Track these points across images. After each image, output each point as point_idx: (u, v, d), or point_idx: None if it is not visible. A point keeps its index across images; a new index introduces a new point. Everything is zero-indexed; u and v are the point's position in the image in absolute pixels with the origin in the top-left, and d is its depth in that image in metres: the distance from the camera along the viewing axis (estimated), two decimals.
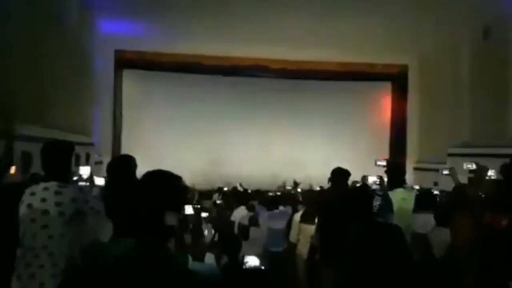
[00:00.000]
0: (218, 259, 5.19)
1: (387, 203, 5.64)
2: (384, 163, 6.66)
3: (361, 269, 3.74)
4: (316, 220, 6.34)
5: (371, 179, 6.36)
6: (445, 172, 6.49)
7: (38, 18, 9.42)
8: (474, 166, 6.43)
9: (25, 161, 7.73)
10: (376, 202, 4.62)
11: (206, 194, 14.22)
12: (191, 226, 6.38)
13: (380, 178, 6.30)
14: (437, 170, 7.18)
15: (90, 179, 5.02)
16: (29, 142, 7.91)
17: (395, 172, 6.37)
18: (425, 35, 15.47)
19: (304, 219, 7.33)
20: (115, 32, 15.86)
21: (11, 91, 8.09)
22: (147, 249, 2.07)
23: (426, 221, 5.44)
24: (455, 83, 15.10)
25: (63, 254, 3.52)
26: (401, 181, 6.30)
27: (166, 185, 2.14)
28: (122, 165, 4.06)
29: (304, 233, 7.32)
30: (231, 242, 5.45)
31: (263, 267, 4.16)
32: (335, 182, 6.41)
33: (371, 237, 3.84)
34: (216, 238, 6.57)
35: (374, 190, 6.24)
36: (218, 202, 11.68)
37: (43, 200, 3.54)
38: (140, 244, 2.10)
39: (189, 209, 5.75)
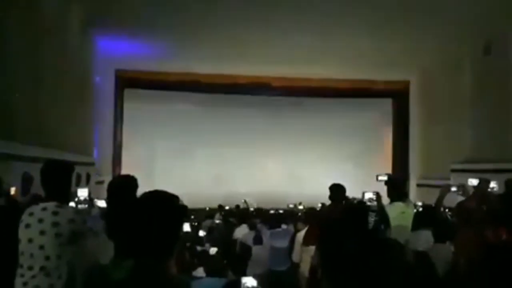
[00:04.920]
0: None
1: (382, 218, 5.61)
2: (385, 177, 6.64)
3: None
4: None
5: (367, 195, 6.31)
6: (454, 189, 6.43)
7: (39, 38, 9.45)
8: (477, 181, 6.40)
9: (26, 182, 7.71)
10: (371, 218, 4.58)
11: (207, 213, 14.17)
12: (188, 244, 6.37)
13: (377, 194, 6.26)
14: (439, 187, 7.15)
15: (89, 200, 5.00)
16: (30, 162, 7.90)
17: (395, 185, 6.34)
18: (427, 52, 15.50)
19: (307, 242, 7.24)
20: (115, 52, 15.95)
21: (12, 111, 8.10)
22: (148, 271, 2.05)
23: (427, 238, 5.39)
24: (457, 98, 15.11)
25: (60, 275, 3.50)
26: (401, 195, 6.26)
27: (163, 205, 2.12)
28: (123, 186, 4.03)
29: (306, 253, 7.24)
30: (238, 261, 5.43)
31: None
32: (331, 199, 6.51)
33: (368, 255, 3.80)
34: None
35: (369, 206, 6.22)
36: (217, 221, 11.62)
37: (40, 220, 3.52)
38: (139, 266, 2.07)
39: (186, 227, 5.74)
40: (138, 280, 2.04)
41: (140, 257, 2.08)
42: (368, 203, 5.51)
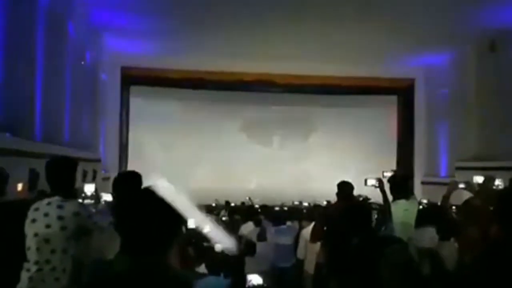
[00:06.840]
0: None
1: (383, 215, 5.67)
2: (391, 174, 6.65)
3: (365, 284, 3.70)
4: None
5: (370, 182, 6.35)
6: (461, 185, 6.39)
7: (45, 35, 9.47)
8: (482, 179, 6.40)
9: (33, 178, 7.74)
10: (373, 216, 4.59)
11: (212, 210, 14.17)
12: (193, 240, 6.38)
13: (379, 180, 6.28)
14: (444, 184, 7.14)
15: (95, 196, 5.03)
16: (36, 158, 7.93)
17: (397, 183, 6.33)
18: (432, 49, 15.46)
19: (314, 239, 7.22)
20: (121, 49, 16.01)
21: (19, 108, 8.13)
22: (147, 264, 2.06)
23: (432, 235, 5.38)
24: (462, 96, 15.07)
25: (65, 269, 3.53)
26: (404, 192, 6.26)
27: (162, 199, 2.14)
28: (127, 182, 4.07)
29: (311, 249, 7.27)
30: (234, 260, 5.42)
31: (266, 286, 4.13)
32: (339, 196, 6.55)
33: (371, 251, 3.82)
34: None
35: (370, 204, 6.25)
36: (224, 218, 11.63)
37: (46, 214, 3.57)
38: (138, 260, 2.09)
39: (191, 223, 5.75)
40: (138, 273, 2.06)
41: (140, 250, 2.10)
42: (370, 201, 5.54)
